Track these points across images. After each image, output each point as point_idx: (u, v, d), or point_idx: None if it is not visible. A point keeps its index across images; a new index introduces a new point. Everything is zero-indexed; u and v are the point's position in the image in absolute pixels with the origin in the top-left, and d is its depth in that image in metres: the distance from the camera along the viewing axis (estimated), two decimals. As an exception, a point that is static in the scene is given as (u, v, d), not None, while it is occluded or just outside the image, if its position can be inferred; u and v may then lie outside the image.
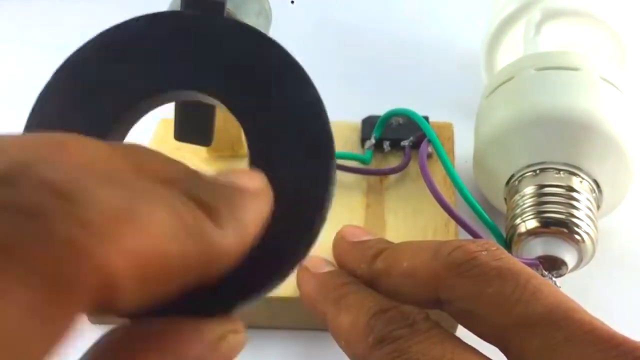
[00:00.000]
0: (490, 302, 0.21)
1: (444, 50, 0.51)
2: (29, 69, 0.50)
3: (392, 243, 0.28)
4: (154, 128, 0.39)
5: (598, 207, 0.31)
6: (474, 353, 0.21)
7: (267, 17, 0.32)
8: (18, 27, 0.55)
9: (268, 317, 0.30)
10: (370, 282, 0.26)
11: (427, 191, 0.33)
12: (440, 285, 0.23)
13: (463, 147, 0.37)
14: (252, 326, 0.30)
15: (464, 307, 0.22)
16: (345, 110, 0.43)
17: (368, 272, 0.26)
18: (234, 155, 0.36)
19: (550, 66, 0.32)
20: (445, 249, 0.23)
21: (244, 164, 0.35)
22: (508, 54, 0.40)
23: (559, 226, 0.28)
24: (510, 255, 0.23)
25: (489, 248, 0.23)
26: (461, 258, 0.22)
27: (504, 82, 0.33)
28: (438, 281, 0.23)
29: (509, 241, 0.30)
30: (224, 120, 0.34)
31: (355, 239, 0.29)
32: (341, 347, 0.24)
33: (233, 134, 0.35)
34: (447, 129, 0.38)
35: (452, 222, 0.32)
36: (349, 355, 0.24)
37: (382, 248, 0.27)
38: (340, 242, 0.30)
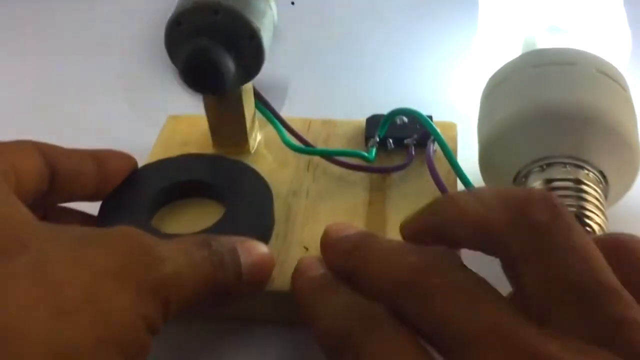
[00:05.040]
0: (432, 320, 0.21)
1: (448, 49, 0.51)
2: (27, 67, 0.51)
3: (369, 238, 0.28)
4: (161, 124, 0.39)
5: (606, 197, 0.31)
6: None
7: (272, 17, 0.33)
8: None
9: (268, 311, 0.30)
10: (348, 279, 0.26)
11: (429, 189, 0.34)
12: (393, 304, 0.23)
13: (466, 148, 0.37)
14: (251, 319, 0.30)
15: (413, 325, 0.22)
16: (350, 109, 0.43)
17: (344, 268, 0.27)
18: (239, 152, 0.36)
19: (547, 62, 0.32)
20: (398, 267, 0.23)
21: (248, 160, 0.36)
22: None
23: None
24: (458, 263, 0.23)
25: (439, 260, 0.23)
26: (407, 279, 0.23)
27: (502, 81, 0.33)
28: (391, 300, 0.23)
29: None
30: (229, 118, 0.35)
31: (339, 235, 0.29)
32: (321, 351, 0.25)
33: (238, 131, 0.36)
34: (451, 128, 0.38)
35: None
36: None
37: (355, 245, 0.27)
38: (324, 238, 0.30)
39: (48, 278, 0.20)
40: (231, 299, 0.27)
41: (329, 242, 0.30)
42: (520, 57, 0.34)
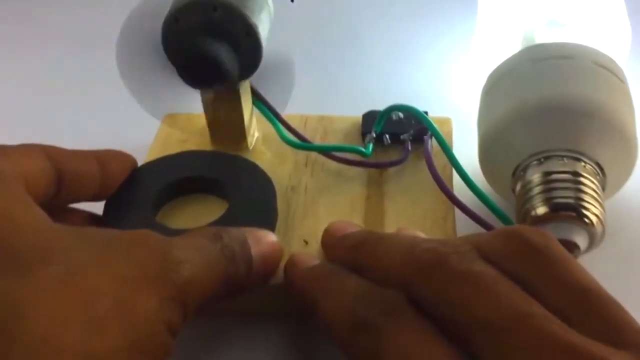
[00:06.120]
0: (452, 306, 0.21)
1: (441, 45, 0.51)
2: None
3: (375, 234, 0.29)
4: (159, 123, 0.39)
5: (603, 189, 0.31)
6: (447, 348, 0.21)
7: (269, 13, 0.33)
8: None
9: (271, 305, 0.31)
10: (356, 271, 0.27)
11: (425, 183, 0.34)
12: (408, 288, 0.23)
13: (461, 143, 0.37)
14: (252, 313, 0.31)
15: (429, 309, 0.22)
16: (345, 105, 0.44)
17: (352, 262, 0.27)
18: (237, 149, 0.37)
19: (544, 57, 0.33)
20: (416, 251, 0.24)
21: (247, 157, 0.36)
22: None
23: (568, 210, 0.29)
24: (479, 257, 0.23)
25: (460, 250, 0.23)
26: (430, 261, 0.23)
27: (501, 77, 0.34)
28: (406, 284, 0.23)
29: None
30: (228, 115, 0.35)
31: (340, 234, 0.30)
32: (327, 334, 0.25)
33: (236, 128, 0.36)
34: (446, 124, 0.38)
35: (450, 214, 0.33)
36: (334, 342, 0.25)
37: (361, 240, 0.28)
38: (326, 238, 0.31)
39: (76, 288, 0.20)
40: (241, 291, 0.27)
41: (331, 240, 0.30)
42: (519, 52, 0.35)
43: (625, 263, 0.33)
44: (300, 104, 0.42)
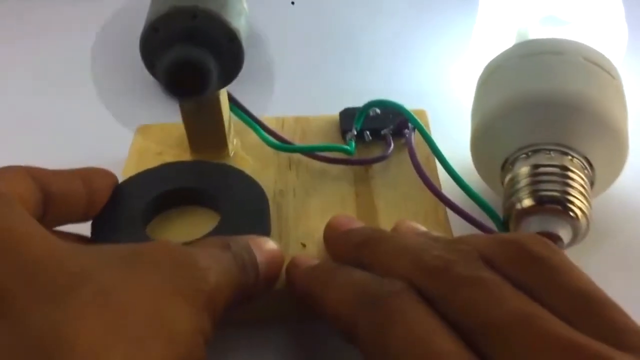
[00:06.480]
0: (457, 308, 0.22)
1: (414, 40, 0.52)
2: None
3: (379, 232, 0.29)
4: (132, 135, 0.38)
5: (592, 183, 0.32)
6: (448, 330, 0.22)
7: (246, 17, 0.33)
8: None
9: (272, 310, 0.30)
10: (360, 267, 0.27)
11: (411, 176, 0.35)
12: (415, 286, 0.24)
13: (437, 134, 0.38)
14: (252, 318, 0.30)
15: (436, 310, 0.23)
16: (314, 104, 0.43)
17: (357, 259, 0.27)
18: (219, 157, 0.36)
19: (534, 52, 0.34)
20: (424, 257, 0.24)
21: (230, 163, 0.36)
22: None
23: (553, 203, 0.29)
24: (484, 265, 0.24)
25: (466, 257, 0.24)
26: (437, 267, 0.23)
27: (492, 72, 0.34)
28: (413, 284, 0.24)
29: (506, 221, 0.31)
30: (208, 123, 0.35)
31: (343, 229, 0.30)
32: (330, 323, 0.25)
33: (217, 136, 0.35)
34: (422, 116, 0.38)
35: (441, 207, 0.33)
36: (339, 331, 0.25)
37: (365, 239, 0.28)
38: (328, 232, 0.31)
39: (113, 307, 0.20)
40: (249, 299, 0.27)
41: (334, 234, 0.30)
42: (510, 48, 0.35)
43: (619, 262, 0.34)
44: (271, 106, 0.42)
